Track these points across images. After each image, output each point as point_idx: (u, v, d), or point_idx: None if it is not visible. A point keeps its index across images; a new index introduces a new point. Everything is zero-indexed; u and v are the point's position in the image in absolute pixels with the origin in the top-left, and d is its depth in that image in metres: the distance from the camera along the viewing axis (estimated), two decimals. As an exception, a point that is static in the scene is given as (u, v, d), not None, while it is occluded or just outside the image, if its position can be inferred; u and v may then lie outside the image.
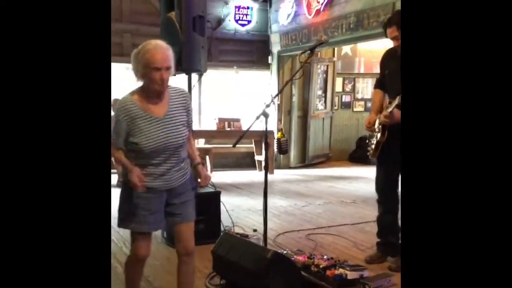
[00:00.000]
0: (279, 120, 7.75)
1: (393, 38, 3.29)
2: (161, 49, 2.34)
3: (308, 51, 3.20)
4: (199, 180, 2.67)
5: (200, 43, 3.76)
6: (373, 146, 3.48)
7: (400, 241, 3.52)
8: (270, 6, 8.94)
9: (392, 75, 3.36)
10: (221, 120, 8.09)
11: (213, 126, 8.08)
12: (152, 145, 2.35)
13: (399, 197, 3.52)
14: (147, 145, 2.34)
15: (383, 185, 3.54)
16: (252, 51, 8.96)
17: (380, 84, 3.56)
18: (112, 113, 3.67)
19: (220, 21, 8.64)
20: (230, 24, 8.77)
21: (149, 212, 2.43)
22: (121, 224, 2.48)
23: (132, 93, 2.43)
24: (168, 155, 2.42)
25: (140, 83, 2.41)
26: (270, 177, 3.46)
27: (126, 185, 2.43)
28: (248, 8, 8.86)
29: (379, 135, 3.40)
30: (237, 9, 8.80)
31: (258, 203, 5.60)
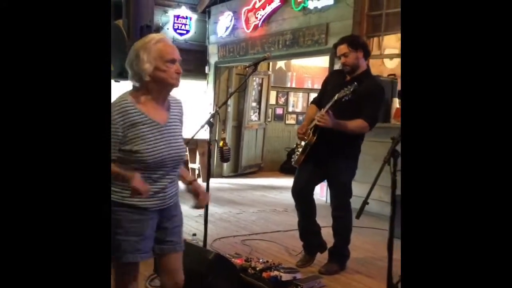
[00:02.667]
0: (222, 129, 7.94)
1: (342, 55, 3.53)
2: (170, 41, 2.11)
3: (253, 66, 3.42)
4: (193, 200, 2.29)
5: (146, 52, 3.86)
6: (299, 152, 3.65)
7: (321, 239, 3.80)
8: (209, 18, 9.13)
9: (330, 91, 3.60)
10: (156, 127, 8.11)
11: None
12: (155, 155, 2.02)
13: (315, 203, 3.77)
14: (150, 154, 2.01)
15: (302, 191, 3.70)
16: (189, 60, 9.07)
17: (318, 100, 3.80)
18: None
19: (158, 29, 8.67)
20: (169, 33, 8.84)
21: (141, 237, 2.05)
22: None
23: (128, 93, 2.08)
24: (167, 169, 2.09)
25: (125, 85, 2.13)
26: (204, 184, 3.59)
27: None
28: (187, 18, 8.99)
29: (305, 142, 3.59)
30: (176, 18, 8.90)
31: (193, 210, 5.71)
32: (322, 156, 3.57)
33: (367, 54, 3.62)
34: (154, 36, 2.08)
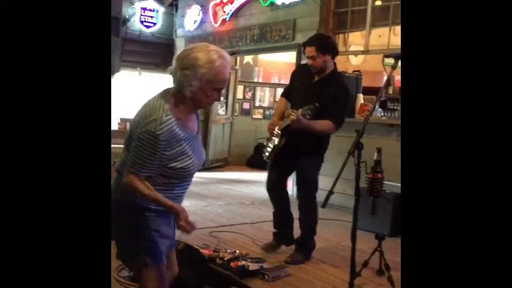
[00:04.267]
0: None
1: (310, 57, 3.63)
2: (229, 65, 1.97)
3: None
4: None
5: (115, 44, 3.87)
6: (269, 149, 3.79)
7: (292, 231, 3.92)
8: (176, 11, 9.10)
9: (299, 88, 3.74)
10: (123, 121, 8.07)
11: (114, 126, 8.03)
12: (194, 167, 2.02)
13: (288, 194, 3.95)
14: (192, 168, 2.00)
15: (274, 185, 3.88)
16: (156, 53, 9.03)
17: (287, 93, 3.91)
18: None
19: (124, 21, 8.60)
20: (135, 25, 8.79)
21: (168, 239, 2.08)
22: (150, 258, 1.99)
23: (168, 103, 1.92)
24: (193, 175, 2.10)
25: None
26: None
27: (137, 206, 1.97)
28: (153, 10, 8.94)
29: (276, 140, 3.73)
30: (142, 11, 8.85)
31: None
32: (290, 156, 3.72)
33: (335, 55, 3.73)
34: (216, 52, 1.91)
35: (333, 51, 3.69)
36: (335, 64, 3.79)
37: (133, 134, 1.93)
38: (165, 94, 1.97)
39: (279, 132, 3.70)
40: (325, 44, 3.69)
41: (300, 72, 3.96)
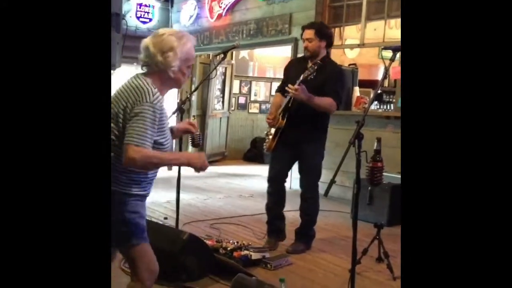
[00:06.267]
0: (193, 116, 8.01)
1: (306, 39, 3.71)
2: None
3: (222, 54, 3.53)
4: None
5: (116, 40, 3.94)
6: (270, 137, 3.79)
7: (285, 226, 3.97)
8: (172, 6, 9.13)
9: (293, 79, 3.75)
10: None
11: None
12: (169, 144, 2.14)
13: (285, 190, 3.96)
14: (168, 144, 2.13)
15: (277, 177, 3.88)
16: (152, 49, 9.06)
17: (282, 88, 3.95)
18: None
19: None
20: (131, 21, 8.81)
21: (145, 218, 2.18)
22: (135, 238, 2.07)
23: (151, 82, 2.04)
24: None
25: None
26: (170, 173, 3.60)
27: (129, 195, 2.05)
28: (149, 6, 8.97)
29: (276, 127, 3.75)
30: (138, 6, 8.87)
31: (161, 196, 5.78)
32: (291, 141, 3.74)
33: (330, 44, 3.84)
34: (187, 33, 2.11)
35: (329, 40, 3.79)
36: (328, 52, 3.88)
37: (124, 117, 2.00)
38: (140, 77, 2.06)
39: (279, 116, 3.72)
40: (323, 30, 3.80)
41: (292, 65, 4.02)
